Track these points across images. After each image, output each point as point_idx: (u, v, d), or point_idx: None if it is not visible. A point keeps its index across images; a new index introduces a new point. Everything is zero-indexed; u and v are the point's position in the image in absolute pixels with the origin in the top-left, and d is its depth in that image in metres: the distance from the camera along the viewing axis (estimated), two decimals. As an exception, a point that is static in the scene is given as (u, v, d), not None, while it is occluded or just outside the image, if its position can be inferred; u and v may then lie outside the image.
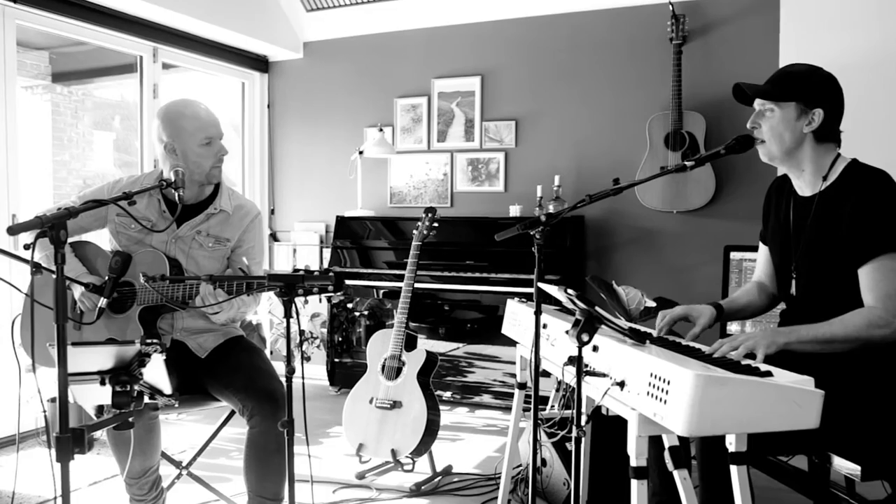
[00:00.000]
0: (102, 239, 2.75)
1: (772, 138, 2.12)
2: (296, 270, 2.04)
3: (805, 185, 2.18)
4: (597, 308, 1.76)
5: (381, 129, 5.13)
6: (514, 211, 4.73)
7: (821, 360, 1.95)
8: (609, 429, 2.73)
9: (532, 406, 2.06)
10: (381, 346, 3.34)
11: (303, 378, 2.21)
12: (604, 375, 1.81)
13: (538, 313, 2.03)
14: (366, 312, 4.96)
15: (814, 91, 2.08)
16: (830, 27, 3.91)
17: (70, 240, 2.64)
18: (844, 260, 2.03)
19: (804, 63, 2.15)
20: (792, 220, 2.22)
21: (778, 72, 2.17)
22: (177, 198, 2.45)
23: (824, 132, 2.09)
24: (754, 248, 3.34)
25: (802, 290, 2.20)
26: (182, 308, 2.56)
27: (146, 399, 2.02)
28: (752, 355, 1.90)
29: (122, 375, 1.87)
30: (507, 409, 4.40)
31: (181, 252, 2.64)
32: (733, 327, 3.37)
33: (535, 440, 2.11)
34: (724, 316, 2.31)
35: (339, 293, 2.34)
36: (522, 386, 2.66)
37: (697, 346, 2.02)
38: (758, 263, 2.47)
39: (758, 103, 2.16)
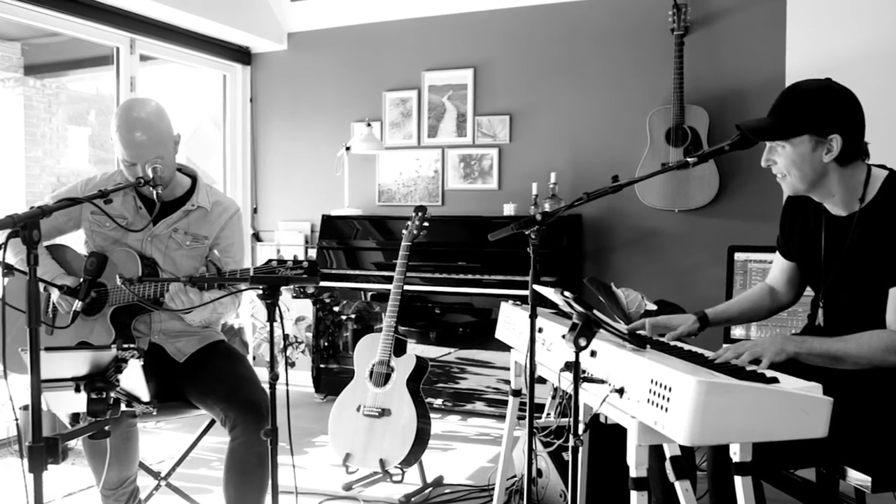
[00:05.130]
0: (77, 241, 2.68)
1: (792, 173, 1.95)
2: (269, 261, 2.04)
3: (838, 206, 2.02)
4: (595, 311, 1.75)
5: (368, 124, 5.03)
6: (509, 210, 4.65)
7: (829, 368, 1.90)
8: (608, 438, 2.70)
9: (527, 414, 2.02)
10: (368, 351, 3.29)
11: (287, 385, 2.15)
12: (602, 382, 1.79)
13: (533, 317, 1.99)
14: (353, 316, 4.88)
15: (825, 116, 1.87)
16: (840, 16, 3.81)
17: (45, 243, 2.61)
18: (885, 285, 1.90)
19: (811, 80, 1.95)
20: (824, 242, 2.08)
21: (782, 96, 1.95)
22: (155, 196, 2.42)
23: (847, 156, 1.90)
24: (760, 249, 3.29)
25: (830, 321, 2.07)
26: (156, 308, 2.52)
27: (123, 407, 1.99)
28: (756, 362, 1.84)
29: (98, 382, 1.84)
30: (501, 417, 4.33)
31: (157, 251, 2.60)
32: (737, 332, 3.29)
33: (531, 450, 2.08)
34: (709, 325, 2.23)
35: (314, 285, 2.31)
36: (517, 393, 2.65)
37: (700, 351, 1.98)
38: (773, 268, 2.36)
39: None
